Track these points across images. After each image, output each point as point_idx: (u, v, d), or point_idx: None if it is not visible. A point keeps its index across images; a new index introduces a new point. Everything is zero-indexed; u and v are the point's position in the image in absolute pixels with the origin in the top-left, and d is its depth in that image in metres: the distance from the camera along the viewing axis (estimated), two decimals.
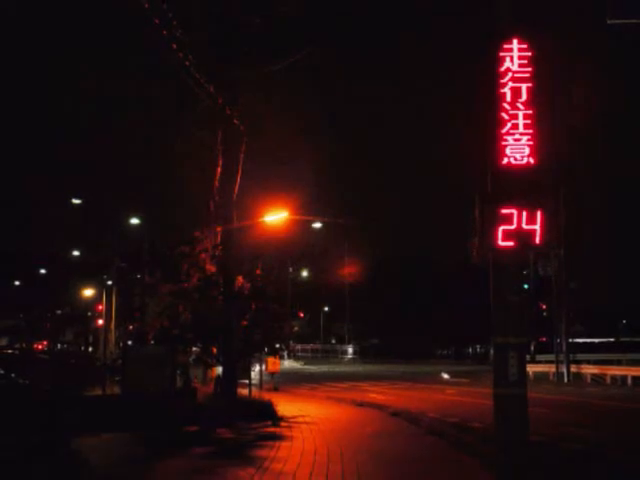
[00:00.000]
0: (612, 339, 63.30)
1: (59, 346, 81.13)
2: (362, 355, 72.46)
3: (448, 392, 30.32)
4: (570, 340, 42.55)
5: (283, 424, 17.60)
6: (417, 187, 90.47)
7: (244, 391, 22.97)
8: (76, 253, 66.69)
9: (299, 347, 79.02)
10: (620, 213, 63.78)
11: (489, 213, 9.16)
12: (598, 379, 38.31)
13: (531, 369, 39.20)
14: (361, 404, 23.54)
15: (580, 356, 45.12)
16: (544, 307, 65.32)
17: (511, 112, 9.28)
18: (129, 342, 43.63)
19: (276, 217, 26.19)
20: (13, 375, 17.88)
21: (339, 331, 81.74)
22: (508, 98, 9.29)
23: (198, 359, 22.37)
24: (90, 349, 72.37)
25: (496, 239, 9.14)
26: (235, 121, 20.51)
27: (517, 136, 9.28)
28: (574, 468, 12.10)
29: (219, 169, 21.06)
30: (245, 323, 21.12)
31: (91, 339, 74.21)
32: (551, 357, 44.24)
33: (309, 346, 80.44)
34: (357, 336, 78.86)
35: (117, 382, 22.86)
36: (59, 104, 48.32)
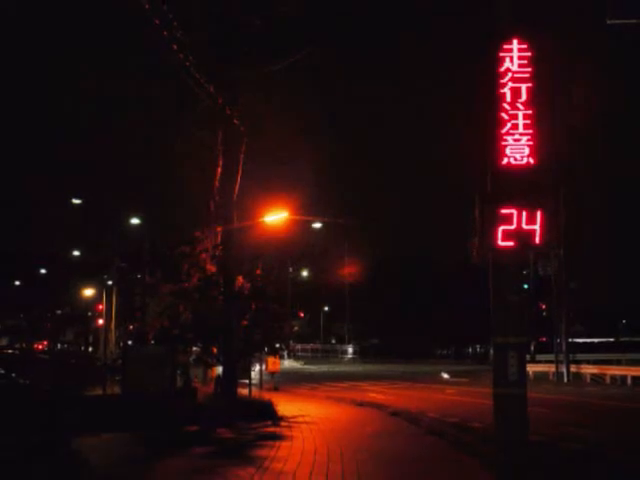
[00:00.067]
0: (612, 339, 63.33)
1: (59, 346, 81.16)
2: (362, 355, 72.46)
3: (448, 392, 30.33)
4: (570, 340, 42.56)
5: (283, 424, 17.61)
6: (417, 187, 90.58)
7: (244, 391, 22.97)
8: (76, 253, 66.71)
9: (299, 347, 79.03)
10: (620, 213, 63.83)
11: (489, 213, 9.17)
12: (598, 379, 38.32)
13: (531, 369, 39.21)
14: (361, 404, 23.54)
15: (580, 356, 45.15)
16: (544, 307, 65.33)
17: (511, 112, 9.29)
18: (129, 342, 43.67)
19: (276, 217, 26.19)
20: (13, 375, 17.88)
21: (339, 331, 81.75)
22: (508, 98, 9.30)
23: (198, 359, 22.38)
24: (90, 349, 72.41)
25: (496, 239, 9.15)
26: (235, 121, 20.52)
27: (517, 136, 9.29)
28: (574, 468, 12.11)
29: (219, 169, 21.07)
30: (245, 323, 21.13)
31: (91, 339, 74.26)
32: (551, 357, 44.26)
33: (309, 346, 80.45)
34: (357, 336, 78.87)
35: (117, 382, 22.85)
36: (59, 104, 48.36)
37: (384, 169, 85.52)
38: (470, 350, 75.37)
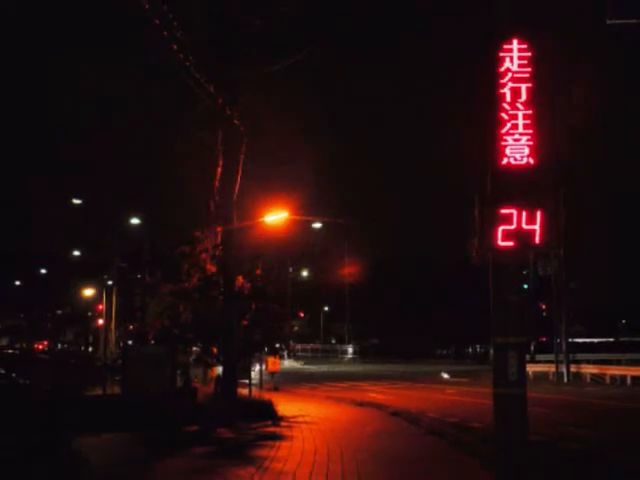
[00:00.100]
0: (612, 339, 63.32)
1: (59, 346, 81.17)
2: (362, 355, 72.47)
3: (448, 392, 30.34)
4: (570, 340, 42.57)
5: (283, 424, 17.61)
6: (417, 187, 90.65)
7: (244, 391, 22.98)
8: (76, 253, 66.70)
9: (299, 347, 79.04)
10: (620, 213, 63.84)
11: (489, 213, 9.17)
12: (597, 379, 38.33)
13: (531, 369, 39.21)
14: (361, 404, 23.55)
15: (580, 356, 45.15)
16: (544, 307, 65.32)
17: (511, 112, 9.29)
18: (129, 342, 43.67)
19: (276, 217, 26.19)
20: (13, 375, 17.87)
21: (339, 331, 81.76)
22: (508, 98, 9.30)
23: (198, 359, 22.38)
24: (90, 349, 72.40)
25: (496, 239, 9.15)
26: (235, 121, 20.52)
27: (517, 136, 9.29)
28: (574, 468, 12.11)
29: (219, 169, 21.07)
30: (245, 323, 21.13)
31: (91, 339, 74.26)
32: (551, 357, 44.26)
33: (309, 346, 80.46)
34: (357, 336, 78.87)
35: (117, 382, 22.85)
36: (59, 104, 48.36)
37: (384, 169, 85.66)
38: (470, 350, 75.38)
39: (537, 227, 9.09)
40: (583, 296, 54.51)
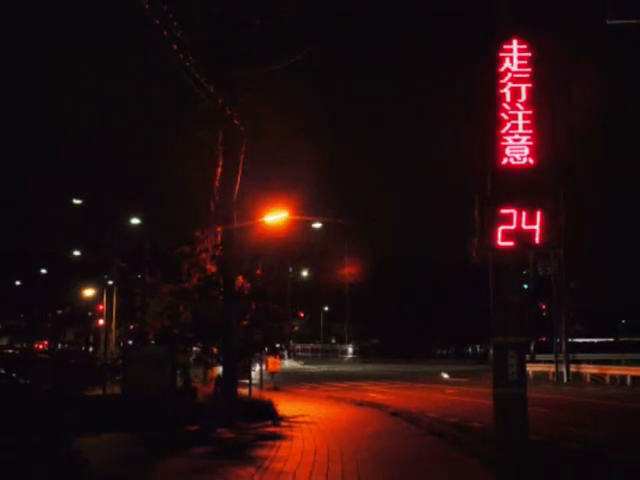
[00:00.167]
0: (611, 339, 63.34)
1: (60, 346, 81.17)
2: (362, 355, 72.48)
3: (448, 392, 30.34)
4: (570, 340, 42.58)
5: (283, 424, 17.61)
6: (417, 187, 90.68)
7: (244, 391, 22.98)
8: (76, 253, 66.72)
9: (299, 347, 79.07)
10: (620, 213, 63.87)
11: (489, 213, 9.17)
12: (597, 379, 38.33)
13: (531, 369, 39.22)
14: (361, 404, 23.55)
15: (580, 356, 45.16)
16: (544, 307, 65.33)
17: (511, 112, 9.29)
18: (129, 342, 43.66)
19: (276, 217, 26.19)
20: (14, 375, 17.88)
21: (339, 331, 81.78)
22: (508, 98, 9.31)
23: (198, 359, 22.38)
24: (91, 349, 72.40)
25: (496, 239, 9.15)
26: (235, 121, 20.53)
27: (517, 136, 9.29)
28: (574, 468, 12.11)
29: (219, 169, 21.08)
30: (245, 323, 21.13)
31: (92, 339, 74.24)
32: (551, 357, 44.27)
33: (309, 346, 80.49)
34: (357, 336, 78.89)
35: (117, 382, 22.86)
36: (59, 104, 48.39)
37: (384, 169, 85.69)
38: (470, 350, 75.40)
39: (537, 227, 9.10)
40: (583, 296, 54.53)
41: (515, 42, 9.37)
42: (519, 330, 9.44)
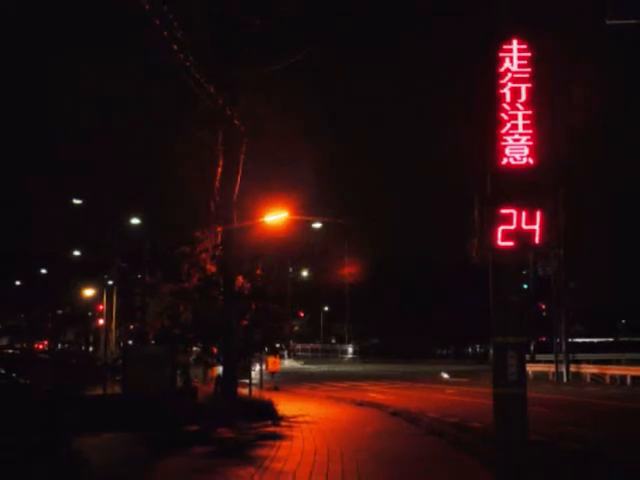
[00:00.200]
0: (611, 339, 63.35)
1: (60, 346, 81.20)
2: (362, 355, 72.48)
3: (448, 392, 30.34)
4: (570, 340, 42.59)
5: (283, 423, 17.62)
6: (417, 187, 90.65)
7: (244, 391, 22.99)
8: (76, 253, 66.74)
9: (299, 347, 79.08)
10: (620, 213, 63.83)
11: (488, 213, 9.18)
12: (597, 379, 38.34)
13: (531, 369, 39.22)
14: (361, 404, 23.56)
15: (579, 356, 45.17)
16: (544, 307, 65.33)
17: (510, 112, 9.30)
18: (130, 342, 43.66)
19: (276, 217, 26.19)
20: (14, 375, 17.88)
21: (339, 331, 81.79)
22: (507, 98, 9.31)
23: (198, 359, 22.40)
24: (91, 349, 72.44)
25: (496, 239, 9.16)
26: (235, 121, 20.54)
27: (516, 136, 9.30)
28: (574, 468, 12.11)
29: (219, 169, 21.09)
30: (245, 323, 21.14)
31: (92, 339, 74.29)
32: (551, 357, 44.28)
33: (309, 346, 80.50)
34: (357, 336, 78.90)
35: (118, 382, 22.87)
36: (59, 104, 48.38)
37: (384, 169, 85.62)
38: (470, 350, 75.41)
39: (537, 227, 9.10)
40: (583, 296, 54.52)
41: (515, 42, 9.38)
42: (519, 330, 9.44)
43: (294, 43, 21.02)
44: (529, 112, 9.28)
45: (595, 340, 61.43)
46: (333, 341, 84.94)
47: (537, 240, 9.12)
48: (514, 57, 9.36)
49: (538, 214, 9.10)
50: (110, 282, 55.06)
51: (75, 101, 30.49)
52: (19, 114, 72.89)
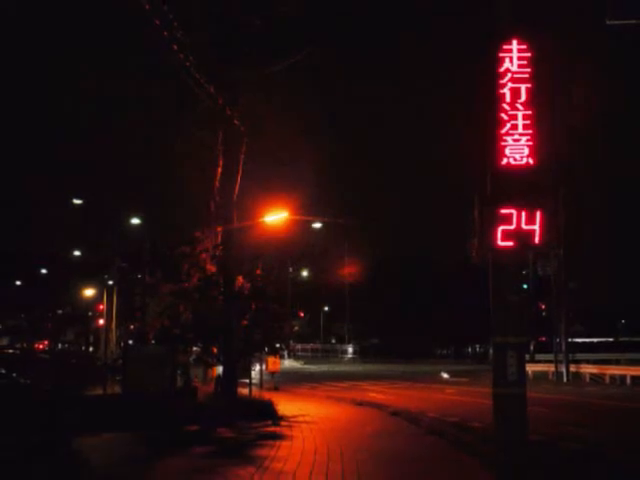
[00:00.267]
0: (611, 339, 63.34)
1: (60, 346, 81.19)
2: (362, 355, 72.49)
3: (448, 391, 30.35)
4: (569, 340, 42.60)
5: (283, 423, 17.62)
6: (417, 187, 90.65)
7: (244, 390, 22.99)
8: (76, 253, 66.76)
9: (299, 347, 79.08)
10: (620, 213, 63.85)
11: (488, 213, 9.19)
12: (597, 379, 38.35)
13: (530, 369, 39.22)
14: (361, 403, 23.57)
15: (579, 356, 45.18)
16: (544, 307, 65.33)
17: (510, 112, 9.30)
18: (130, 342, 43.71)
19: (276, 217, 26.20)
20: (14, 375, 17.90)
21: (339, 331, 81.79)
22: (507, 98, 9.32)
23: (198, 359, 22.41)
24: (91, 349, 72.44)
25: (495, 239, 9.16)
26: (235, 121, 20.54)
27: (516, 136, 9.30)
28: (574, 467, 12.12)
29: (219, 169, 21.10)
30: (245, 323, 21.15)
31: (92, 339, 74.29)
32: (550, 357, 44.30)
33: (309, 346, 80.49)
34: (357, 336, 78.90)
35: (118, 382, 22.88)
36: (59, 104, 48.36)
37: (384, 169, 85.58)
38: (470, 350, 75.41)
39: (537, 227, 9.11)
40: (583, 296, 54.51)
41: (515, 42, 9.38)
42: (519, 330, 9.45)
43: (294, 43, 21.03)
44: (529, 112, 9.28)
45: (595, 340, 61.43)
46: (333, 341, 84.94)
47: (537, 240, 9.13)
48: (514, 57, 9.36)
49: (538, 214, 9.10)
50: (110, 282, 55.10)
51: (75, 101, 30.50)
52: (19, 114, 72.93)
